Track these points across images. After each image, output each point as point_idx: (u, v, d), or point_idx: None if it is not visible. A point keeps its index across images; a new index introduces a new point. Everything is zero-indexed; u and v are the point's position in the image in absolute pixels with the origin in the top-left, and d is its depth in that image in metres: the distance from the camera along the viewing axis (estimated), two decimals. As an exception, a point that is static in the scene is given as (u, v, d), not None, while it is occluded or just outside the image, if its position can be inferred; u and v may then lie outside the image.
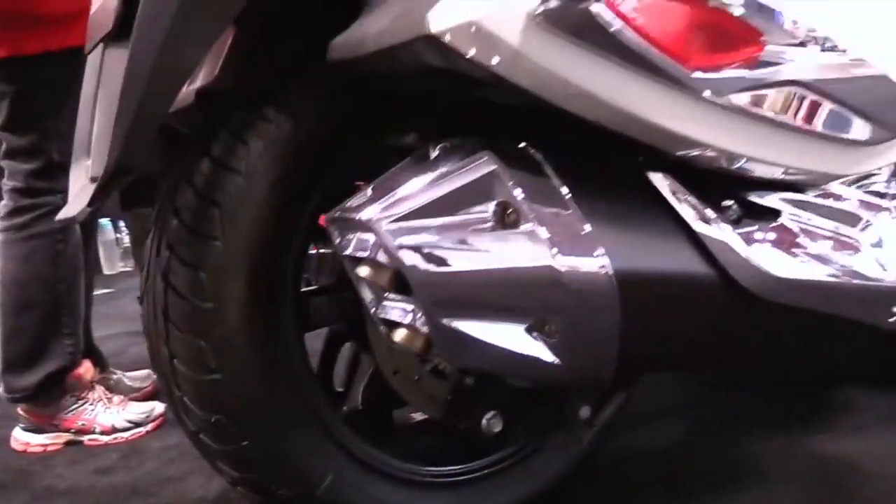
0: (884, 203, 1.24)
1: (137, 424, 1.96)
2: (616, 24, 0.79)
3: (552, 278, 0.86)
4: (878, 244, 1.20)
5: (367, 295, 0.89)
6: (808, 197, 1.11)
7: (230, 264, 1.06)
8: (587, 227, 0.89)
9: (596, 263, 0.88)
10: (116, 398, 2.02)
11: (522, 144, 0.90)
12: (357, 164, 1.28)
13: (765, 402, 1.81)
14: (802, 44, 0.91)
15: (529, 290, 0.86)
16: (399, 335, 0.88)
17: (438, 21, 0.77)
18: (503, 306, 0.87)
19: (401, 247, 0.83)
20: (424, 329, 0.85)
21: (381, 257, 0.85)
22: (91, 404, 1.96)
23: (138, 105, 0.93)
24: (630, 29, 0.79)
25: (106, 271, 4.56)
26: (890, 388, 1.81)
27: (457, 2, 0.77)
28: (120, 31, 1.05)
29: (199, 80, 1.18)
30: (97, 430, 1.95)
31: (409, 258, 0.83)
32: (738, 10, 0.86)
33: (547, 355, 0.89)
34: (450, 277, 0.85)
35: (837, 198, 1.17)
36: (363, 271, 0.87)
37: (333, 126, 1.11)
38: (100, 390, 2.01)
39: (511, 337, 0.88)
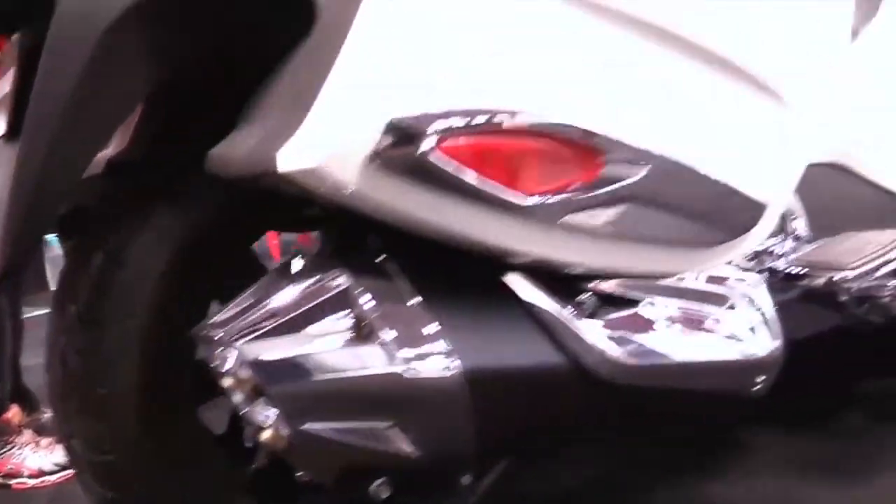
0: (749, 277, 1.33)
1: (65, 467, 2.01)
2: (447, 165, 0.86)
3: (402, 384, 0.93)
4: (742, 318, 1.28)
5: (235, 398, 0.96)
6: (670, 282, 1.19)
7: (122, 352, 1.12)
8: (437, 332, 0.96)
9: (444, 365, 0.95)
10: (45, 441, 2.06)
11: (381, 258, 0.97)
12: (260, 236, 1.35)
13: (655, 444, 1.87)
14: (642, 161, 0.98)
15: (381, 396, 0.94)
16: (265, 436, 0.94)
17: (285, 162, 0.83)
18: (358, 411, 0.94)
19: (258, 363, 0.90)
20: (286, 432, 0.92)
21: (243, 371, 0.91)
22: (19, 448, 2.01)
23: (26, 210, 0.98)
24: (462, 167, 0.86)
25: (53, 287, 4.54)
26: (784, 429, 1.90)
27: (302, 143, 0.84)
28: (14, 129, 1.10)
29: (111, 148, 1.22)
30: (25, 473, 1.99)
31: (266, 373, 0.90)
32: (576, 134, 0.93)
33: (406, 450, 0.97)
34: (306, 388, 0.92)
35: (700, 279, 1.24)
36: (227, 382, 0.93)
37: (230, 213, 1.17)
38: (28, 434, 2.05)
39: (369, 436, 0.95)
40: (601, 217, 0.97)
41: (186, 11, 0.95)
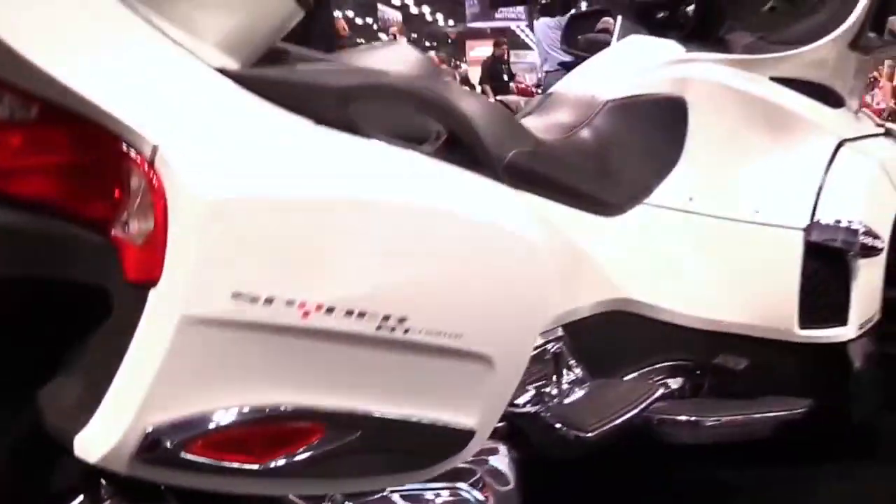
0: (491, 445, 1.69)
1: None
2: (197, 459, 1.15)
3: None
4: (481, 489, 1.65)
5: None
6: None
7: None
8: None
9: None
10: None
11: (161, 487, 1.32)
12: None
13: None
14: (357, 422, 1.33)
15: None
16: None
17: (78, 448, 1.14)
18: None
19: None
20: None
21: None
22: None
23: None
24: (209, 458, 1.18)
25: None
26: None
27: (90, 434, 1.11)
28: None
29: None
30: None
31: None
32: (296, 413, 1.26)
33: None
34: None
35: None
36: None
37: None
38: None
39: None
40: (327, 465, 1.31)
41: None
